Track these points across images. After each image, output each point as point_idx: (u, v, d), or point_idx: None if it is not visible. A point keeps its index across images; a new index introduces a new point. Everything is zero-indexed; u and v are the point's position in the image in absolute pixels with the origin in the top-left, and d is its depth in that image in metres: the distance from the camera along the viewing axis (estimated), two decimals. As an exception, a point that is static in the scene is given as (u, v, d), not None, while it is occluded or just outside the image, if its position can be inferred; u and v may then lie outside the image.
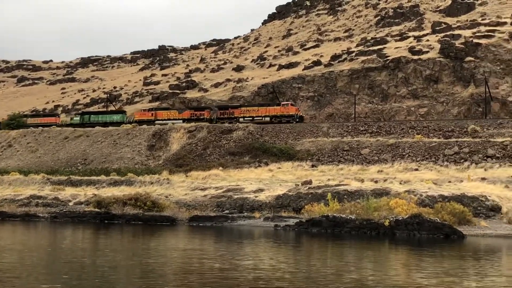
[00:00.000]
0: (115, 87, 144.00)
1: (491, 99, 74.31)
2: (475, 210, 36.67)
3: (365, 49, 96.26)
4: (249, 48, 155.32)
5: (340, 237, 30.68)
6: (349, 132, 69.45)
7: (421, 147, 62.17)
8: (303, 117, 79.30)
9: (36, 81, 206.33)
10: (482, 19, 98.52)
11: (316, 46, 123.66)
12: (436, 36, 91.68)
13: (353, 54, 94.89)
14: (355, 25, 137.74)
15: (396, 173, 55.94)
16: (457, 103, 77.43)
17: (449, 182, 47.94)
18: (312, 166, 62.80)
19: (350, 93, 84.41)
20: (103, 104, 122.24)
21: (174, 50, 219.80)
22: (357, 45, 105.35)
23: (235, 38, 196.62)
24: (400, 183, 45.83)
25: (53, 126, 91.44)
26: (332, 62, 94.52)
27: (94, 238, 30.88)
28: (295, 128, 72.58)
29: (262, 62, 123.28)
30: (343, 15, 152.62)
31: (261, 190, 46.73)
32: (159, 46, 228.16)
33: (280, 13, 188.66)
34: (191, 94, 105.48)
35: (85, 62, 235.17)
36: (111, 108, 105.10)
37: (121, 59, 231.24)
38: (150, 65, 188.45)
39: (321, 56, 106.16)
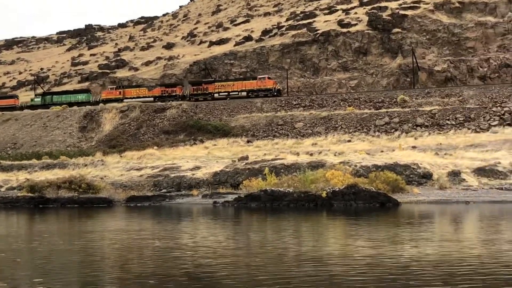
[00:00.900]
0: (42, 69, 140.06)
1: (419, 69, 76.24)
2: (407, 178, 37.76)
3: (295, 23, 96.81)
4: (178, 25, 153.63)
5: (279, 210, 31.04)
6: (282, 106, 69.99)
7: (353, 118, 63.38)
8: (280, 90, 77.84)
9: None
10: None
11: (246, 21, 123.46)
12: (364, 8, 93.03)
13: (284, 28, 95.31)
14: (284, 0, 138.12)
15: (330, 145, 56.91)
16: (386, 74, 79.08)
17: (382, 152, 49.13)
18: (248, 141, 63.13)
19: (282, 68, 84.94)
20: (30, 86, 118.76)
21: (101, 29, 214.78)
22: (287, 20, 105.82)
23: (164, 15, 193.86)
24: (335, 155, 46.67)
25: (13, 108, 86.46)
26: (263, 37, 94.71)
27: (30, 224, 30.18)
28: (229, 104, 72.60)
29: (193, 39, 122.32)
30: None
31: (198, 167, 46.69)
32: (85, 25, 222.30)
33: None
34: (121, 73, 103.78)
35: (9, 44, 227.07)
36: (39, 90, 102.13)
37: (47, 39, 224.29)
38: (77, 45, 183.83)
39: (252, 31, 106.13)
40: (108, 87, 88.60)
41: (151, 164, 49.65)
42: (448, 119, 59.00)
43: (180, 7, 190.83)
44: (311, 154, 48.22)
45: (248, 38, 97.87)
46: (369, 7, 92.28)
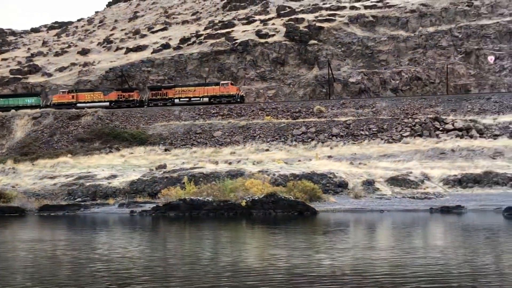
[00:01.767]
0: None
1: (334, 80, 77.98)
2: (324, 187, 38.50)
3: (214, 32, 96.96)
4: (94, 31, 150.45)
5: (198, 219, 30.92)
6: (201, 115, 69.81)
7: (271, 128, 64.03)
8: (244, 97, 75.92)
9: None
10: (323, 3, 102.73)
11: (164, 29, 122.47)
12: (281, 20, 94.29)
13: (202, 37, 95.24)
14: (202, 8, 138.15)
15: (248, 154, 57.23)
16: (302, 85, 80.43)
17: (299, 161, 49.83)
18: (165, 150, 62.58)
19: (201, 76, 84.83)
20: None
21: (13, 33, 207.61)
22: (205, 28, 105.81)
23: (79, 20, 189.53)
24: (253, 164, 46.95)
25: None
26: (181, 45, 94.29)
27: None
28: (146, 112, 71.73)
29: (109, 45, 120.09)
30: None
31: (114, 176, 45.84)
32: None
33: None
34: (34, 78, 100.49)
35: None
36: None
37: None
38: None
39: (170, 39, 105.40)
40: (60, 90, 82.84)
41: (65, 173, 48.33)
42: (362, 130, 60.57)
43: (96, 12, 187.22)
44: (230, 163, 48.32)
45: (166, 46, 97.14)
46: (286, 18, 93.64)
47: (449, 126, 57.30)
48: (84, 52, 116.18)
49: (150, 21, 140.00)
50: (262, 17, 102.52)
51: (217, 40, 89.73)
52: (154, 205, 35.10)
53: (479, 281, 13.26)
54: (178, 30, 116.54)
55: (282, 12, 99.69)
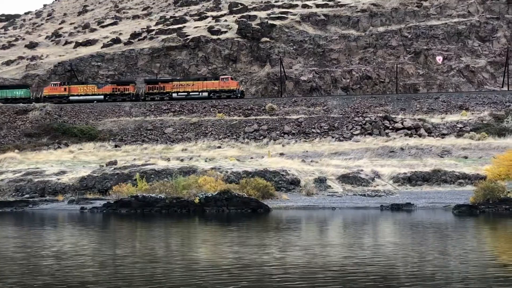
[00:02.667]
0: None
1: (286, 78, 78.30)
2: (277, 184, 38.62)
3: (165, 27, 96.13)
4: (42, 24, 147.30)
5: (150, 216, 30.60)
6: (152, 111, 69.19)
7: (223, 125, 63.99)
8: (243, 92, 74.84)
9: None
10: (275, 1, 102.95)
11: (114, 23, 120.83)
12: (234, 16, 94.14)
13: (153, 32, 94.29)
14: (153, 3, 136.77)
15: (200, 151, 57.08)
16: (254, 82, 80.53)
17: (251, 158, 49.97)
18: (116, 146, 61.85)
19: (152, 72, 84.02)
20: None
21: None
22: (157, 24, 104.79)
23: (26, 13, 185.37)
24: (206, 161, 46.83)
25: None
26: (132, 40, 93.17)
27: None
28: (96, 107, 70.62)
29: (57, 39, 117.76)
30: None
31: (63, 172, 44.91)
32: None
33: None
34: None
35: None
36: None
37: None
38: None
39: (120, 34, 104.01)
40: (51, 82, 79.13)
41: (12, 168, 47.19)
42: (314, 128, 61.07)
43: (44, 5, 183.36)
44: (182, 160, 48.05)
45: (116, 41, 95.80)
46: (239, 15, 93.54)
47: (399, 125, 58.32)
48: (31, 45, 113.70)
49: (100, 15, 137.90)
50: (214, 13, 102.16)
51: (169, 36, 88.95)
52: (105, 202, 34.57)
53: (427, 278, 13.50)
54: (128, 25, 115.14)
55: (234, 8, 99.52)
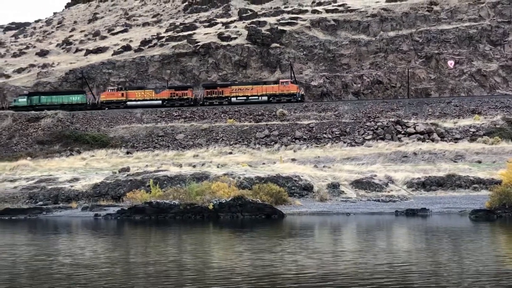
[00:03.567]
0: None
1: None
2: (289, 190, 38.42)
3: (175, 34, 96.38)
4: (53, 32, 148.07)
5: (164, 223, 30.52)
6: (163, 117, 69.28)
7: (234, 131, 63.93)
8: (304, 96, 73.70)
9: None
10: (285, 7, 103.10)
11: (125, 31, 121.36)
12: (243, 22, 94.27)
13: (163, 39, 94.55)
14: (163, 10, 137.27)
15: (211, 157, 57.01)
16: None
17: (263, 164, 49.79)
18: (127, 153, 61.93)
19: (162, 79, 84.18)
20: None
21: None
22: (167, 31, 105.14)
23: (36, 21, 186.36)
24: (218, 167, 46.73)
25: None
26: (142, 47, 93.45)
27: None
28: (107, 114, 70.77)
29: (68, 46, 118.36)
30: (150, 0, 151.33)
31: (76, 179, 45.06)
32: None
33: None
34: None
35: None
36: None
37: None
38: None
39: (131, 41, 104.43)
40: (108, 88, 78.65)
41: (26, 176, 47.35)
42: (325, 133, 60.89)
43: (55, 13, 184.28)
44: (194, 166, 47.99)
45: (126, 48, 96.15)
46: (249, 21, 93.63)
47: (411, 130, 58.03)
48: (42, 53, 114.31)
49: (110, 22, 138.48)
50: (224, 20, 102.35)
51: (179, 43, 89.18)
52: (119, 209, 34.53)
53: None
54: (139, 32, 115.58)
55: (244, 15, 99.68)
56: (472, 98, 68.50)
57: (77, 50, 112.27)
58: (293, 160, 52.13)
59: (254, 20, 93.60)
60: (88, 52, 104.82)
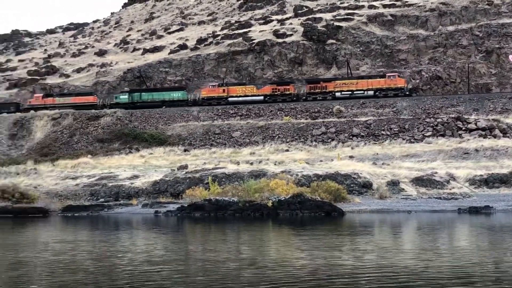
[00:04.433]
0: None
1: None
2: (348, 187, 38.07)
3: (230, 32, 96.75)
4: (110, 32, 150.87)
5: (224, 220, 30.64)
6: (219, 115, 69.60)
7: (290, 128, 63.69)
8: (413, 90, 71.67)
9: None
10: (341, 3, 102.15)
11: (181, 29, 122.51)
12: (299, 19, 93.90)
13: (219, 37, 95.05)
14: (218, 9, 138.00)
15: (268, 154, 56.94)
16: (321, 85, 79.79)
17: (321, 161, 49.42)
18: (185, 150, 62.46)
19: (218, 77, 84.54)
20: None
21: (29, 34, 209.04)
22: (222, 29, 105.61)
23: (94, 21, 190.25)
24: (275, 164, 46.63)
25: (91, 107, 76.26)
26: (198, 46, 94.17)
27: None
28: (165, 112, 71.59)
29: (126, 46, 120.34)
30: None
31: (136, 176, 45.78)
32: (12, 30, 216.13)
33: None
34: (52, 80, 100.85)
35: None
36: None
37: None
38: (4, 50, 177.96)
39: (187, 39, 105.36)
40: (209, 84, 77.95)
41: (87, 173, 48.33)
42: (383, 130, 60.03)
43: (112, 13, 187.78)
44: (251, 163, 48.01)
45: (183, 47, 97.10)
46: (304, 18, 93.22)
47: (472, 126, 56.63)
48: (101, 53, 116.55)
49: (166, 21, 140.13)
50: (279, 17, 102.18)
51: (234, 41, 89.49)
52: (179, 206, 34.85)
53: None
54: (194, 31, 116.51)
55: (300, 11, 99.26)
56: (536, 93, 66.39)
57: (134, 49, 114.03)
58: (351, 157, 51.55)
59: (310, 16, 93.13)
60: (145, 51, 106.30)
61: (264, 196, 33.13)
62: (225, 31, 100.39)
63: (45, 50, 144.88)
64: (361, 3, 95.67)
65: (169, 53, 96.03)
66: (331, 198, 35.02)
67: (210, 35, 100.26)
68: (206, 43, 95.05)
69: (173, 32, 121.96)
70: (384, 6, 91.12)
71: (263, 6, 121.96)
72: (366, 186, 39.15)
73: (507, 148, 50.19)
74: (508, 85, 73.95)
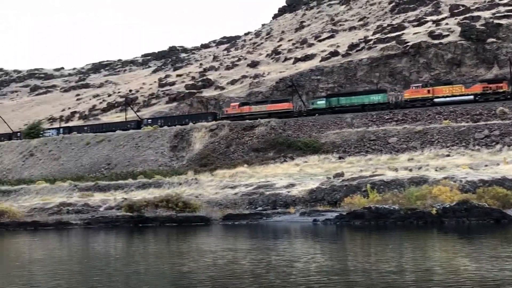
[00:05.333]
0: (130, 91, 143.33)
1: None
2: (518, 193, 35.33)
3: (383, 36, 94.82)
4: (262, 43, 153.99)
5: (385, 228, 29.52)
6: (374, 121, 68.06)
7: (450, 132, 60.79)
8: None
9: (49, 89, 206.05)
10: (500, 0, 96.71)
11: (331, 36, 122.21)
12: (455, 19, 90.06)
13: (371, 42, 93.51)
14: (369, 13, 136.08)
15: (427, 160, 54.63)
16: (481, 86, 75.69)
17: (485, 166, 46.55)
18: (340, 158, 61.63)
19: (371, 82, 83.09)
20: (120, 108, 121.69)
21: (185, 50, 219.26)
22: (374, 33, 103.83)
23: (246, 34, 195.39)
24: (436, 170, 44.60)
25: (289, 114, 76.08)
26: (350, 52, 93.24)
27: (141, 244, 29.78)
28: (318, 120, 71.28)
29: (277, 56, 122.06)
30: (356, 4, 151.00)
31: (292, 185, 45.66)
32: (169, 47, 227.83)
33: (291, 6, 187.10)
34: (208, 92, 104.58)
35: (96, 68, 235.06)
36: (130, 112, 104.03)
37: (133, 62, 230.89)
38: (163, 67, 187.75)
39: (338, 46, 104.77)
40: (412, 85, 73.92)
41: (244, 182, 49.03)
42: (556, 131, 55.52)
43: (263, 25, 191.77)
44: (411, 170, 46.28)
45: (334, 53, 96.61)
46: (461, 17, 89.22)
47: None
48: (253, 64, 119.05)
49: (316, 29, 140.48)
50: (434, 17, 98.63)
51: (387, 44, 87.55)
52: (337, 214, 34.18)
53: None
54: (345, 37, 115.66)
55: (456, 11, 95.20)
56: None
57: (285, 59, 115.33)
58: (519, 161, 48.08)
59: (467, 15, 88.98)
60: (297, 60, 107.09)
61: (427, 203, 31.57)
62: (377, 35, 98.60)
63: (201, 64, 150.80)
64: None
65: (320, 61, 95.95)
66: (499, 204, 32.69)
67: (361, 40, 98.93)
68: (358, 48, 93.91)
69: (324, 39, 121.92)
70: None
71: (416, 7, 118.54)
72: (539, 193, 36.12)
73: None
74: None
